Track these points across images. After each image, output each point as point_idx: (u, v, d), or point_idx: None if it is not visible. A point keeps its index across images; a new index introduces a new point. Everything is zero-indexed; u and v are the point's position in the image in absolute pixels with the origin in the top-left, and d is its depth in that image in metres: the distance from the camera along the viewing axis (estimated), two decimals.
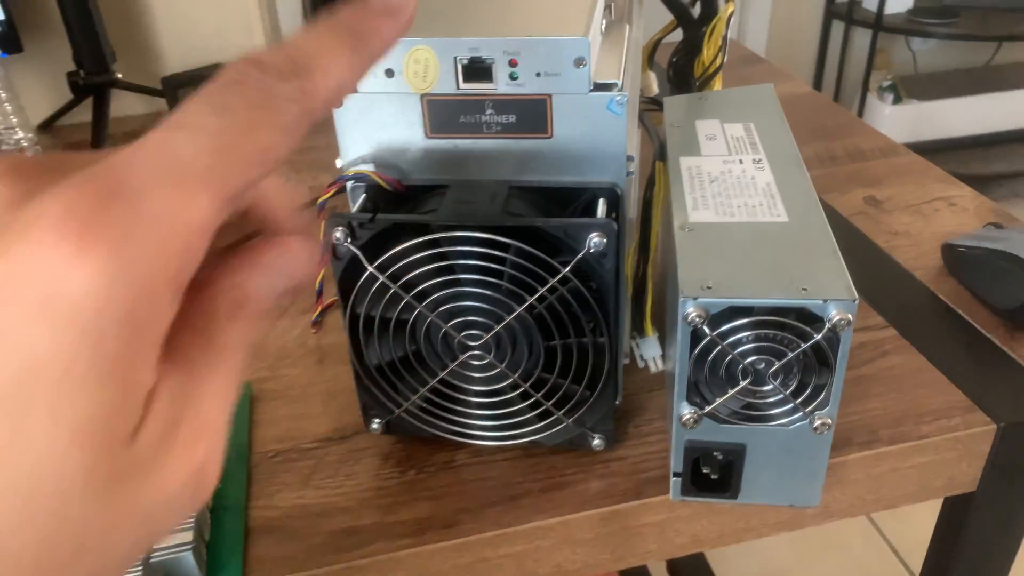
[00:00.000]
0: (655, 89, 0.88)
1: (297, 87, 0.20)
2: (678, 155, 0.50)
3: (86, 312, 0.16)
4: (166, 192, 0.18)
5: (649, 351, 0.52)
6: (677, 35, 0.94)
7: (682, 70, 0.73)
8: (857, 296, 0.37)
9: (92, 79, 0.88)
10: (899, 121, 2.33)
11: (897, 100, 2.34)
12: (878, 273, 0.62)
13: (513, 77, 0.41)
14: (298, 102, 0.20)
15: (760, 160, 0.49)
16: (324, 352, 0.57)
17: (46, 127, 0.96)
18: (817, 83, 2.46)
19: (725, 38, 0.70)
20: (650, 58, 0.91)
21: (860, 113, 2.38)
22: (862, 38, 2.36)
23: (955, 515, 0.53)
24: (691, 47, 0.72)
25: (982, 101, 2.36)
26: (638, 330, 0.52)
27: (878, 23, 2.23)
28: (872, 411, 0.49)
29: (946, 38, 2.31)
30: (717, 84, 0.71)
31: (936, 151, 2.32)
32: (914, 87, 2.38)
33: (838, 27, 2.39)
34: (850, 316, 0.37)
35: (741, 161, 0.49)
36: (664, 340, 0.52)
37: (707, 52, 0.71)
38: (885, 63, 2.45)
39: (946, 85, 2.41)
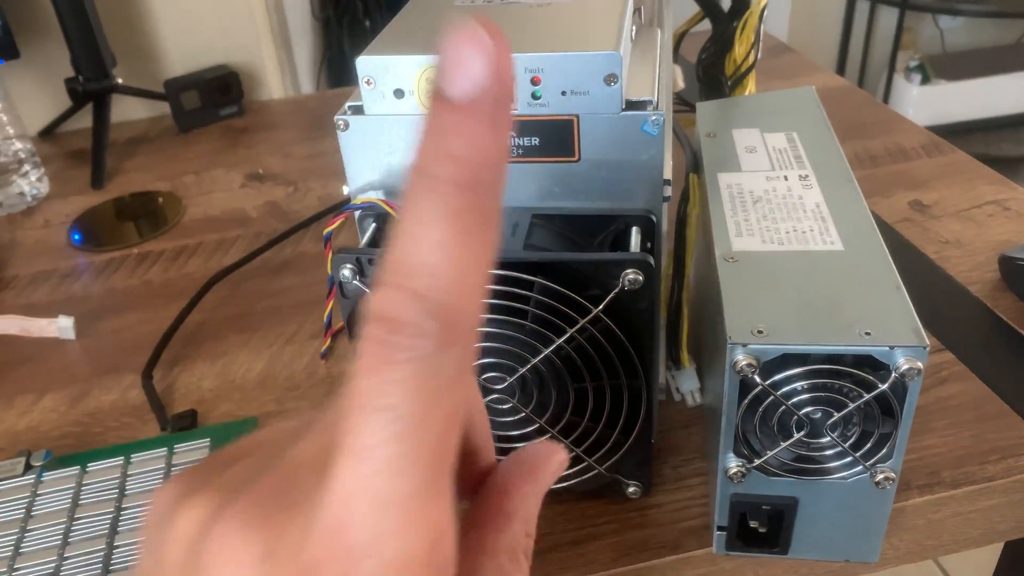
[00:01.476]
0: (681, 84, 0.83)
1: (449, 340, 0.15)
2: (716, 171, 0.46)
3: None
4: (394, 543, 0.16)
5: (686, 384, 0.48)
6: (706, 24, 0.88)
7: (712, 68, 0.68)
8: (928, 342, 0.33)
9: (91, 85, 0.85)
10: (927, 102, 2.26)
11: (925, 80, 2.27)
12: (930, 288, 0.57)
13: (536, 96, 0.37)
14: (460, 361, 0.16)
15: (807, 176, 0.45)
16: (334, 383, 0.54)
17: (46, 134, 0.93)
18: (841, 64, 2.39)
19: (758, 33, 0.65)
20: (675, 50, 0.86)
21: (887, 95, 2.31)
22: (888, 16, 2.29)
23: (1019, 559, 0.49)
24: (721, 43, 0.67)
25: (1013, 80, 2.28)
26: (673, 361, 0.48)
27: (905, 0, 2.16)
28: (932, 449, 0.45)
29: (975, 15, 2.23)
30: (750, 83, 0.66)
31: (966, 132, 2.25)
32: (942, 67, 2.31)
33: (863, 6, 2.31)
34: (920, 364, 0.33)
35: (786, 178, 0.45)
36: (702, 372, 0.48)
37: (739, 49, 0.66)
38: (911, 42, 2.37)
39: (976, 64, 2.33)
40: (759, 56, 0.66)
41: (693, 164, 0.51)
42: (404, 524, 0.16)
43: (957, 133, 2.24)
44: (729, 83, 0.67)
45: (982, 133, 2.29)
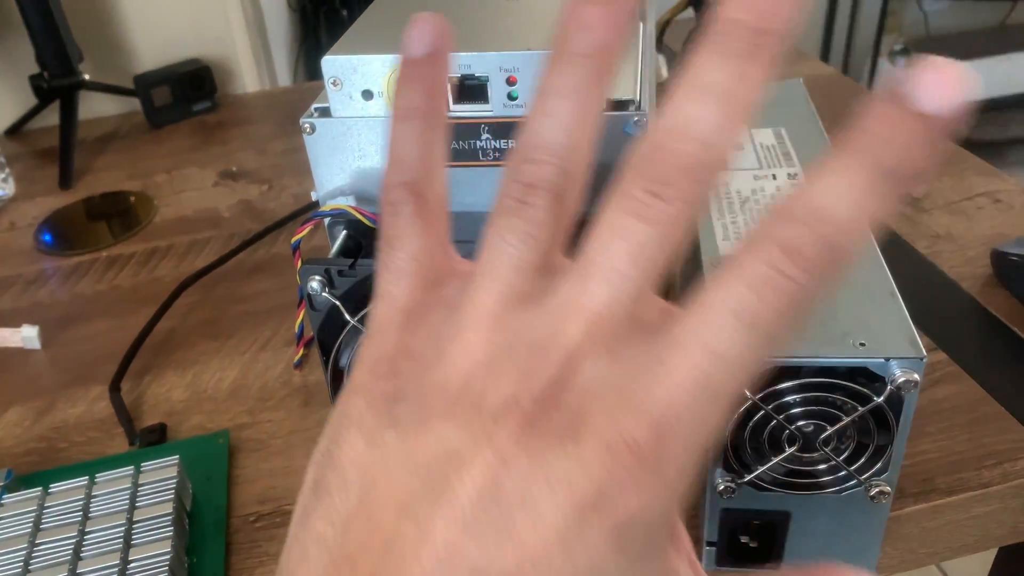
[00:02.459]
0: (664, 74, 0.81)
1: (826, 277, 0.16)
2: None
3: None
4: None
5: None
6: (690, 12, 0.87)
7: None
8: (925, 354, 0.32)
9: (57, 81, 0.82)
10: None
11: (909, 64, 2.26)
12: (921, 284, 0.56)
13: (512, 97, 0.35)
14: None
15: (797, 175, 0.43)
16: (310, 392, 0.52)
17: (12, 133, 0.90)
18: (826, 48, 2.38)
19: None
20: (659, 39, 0.85)
21: (871, 79, 2.30)
22: (871, 0, 2.28)
23: (1013, 563, 0.48)
24: None
25: (998, 63, 2.28)
26: None
27: None
28: (926, 454, 0.44)
29: None
30: None
31: None
32: (926, 50, 2.30)
33: None
34: (917, 377, 0.31)
35: (775, 176, 0.43)
36: None
37: None
38: (896, 25, 2.36)
39: (959, 47, 2.33)
40: None
41: None
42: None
43: None
44: None
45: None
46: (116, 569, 0.39)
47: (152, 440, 0.48)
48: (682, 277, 0.46)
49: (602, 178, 0.37)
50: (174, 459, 0.44)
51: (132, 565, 0.39)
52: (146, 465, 0.44)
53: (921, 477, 0.43)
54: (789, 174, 0.43)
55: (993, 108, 2.32)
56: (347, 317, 0.37)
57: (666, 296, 0.44)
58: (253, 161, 0.80)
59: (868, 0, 2.30)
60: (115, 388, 0.52)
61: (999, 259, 0.55)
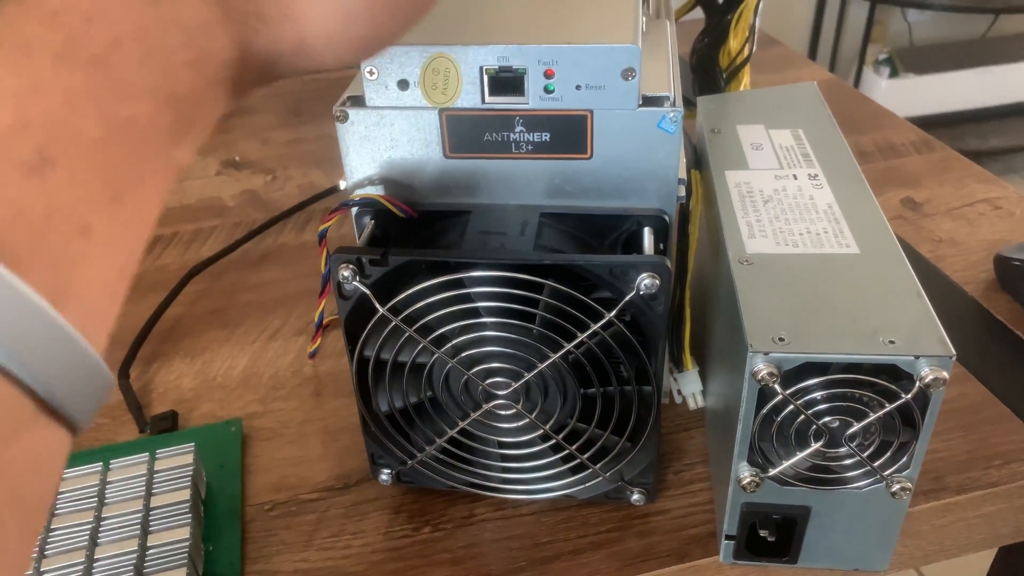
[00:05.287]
0: None
1: None
2: (723, 168, 0.45)
3: None
4: None
5: (688, 387, 0.46)
6: (696, 12, 0.87)
7: (706, 59, 0.67)
8: (954, 352, 0.32)
9: None
10: (896, 95, 2.28)
11: (894, 74, 2.28)
12: (927, 288, 0.56)
13: (548, 90, 0.36)
14: None
15: (817, 176, 0.43)
16: (321, 382, 0.52)
17: None
18: (812, 57, 2.40)
19: (753, 27, 0.64)
20: None
21: (856, 87, 2.32)
22: (858, 10, 2.30)
23: (1014, 562, 0.49)
24: (715, 35, 0.66)
25: (979, 74, 2.31)
26: (675, 363, 0.47)
27: None
28: (936, 453, 0.45)
29: (943, 9, 2.25)
30: (745, 76, 0.65)
31: (933, 126, 2.26)
32: (911, 60, 2.33)
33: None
34: (945, 375, 0.32)
35: (795, 176, 0.44)
36: (705, 375, 0.46)
37: (733, 42, 0.65)
38: (881, 36, 2.39)
39: (943, 58, 2.36)
40: (754, 49, 0.65)
41: (695, 160, 0.50)
42: None
43: (924, 127, 2.26)
44: (724, 76, 0.65)
45: (947, 128, 2.32)
46: (134, 555, 0.38)
47: (163, 428, 0.48)
48: (697, 272, 0.47)
49: (637, 175, 0.37)
50: (190, 446, 0.44)
51: (151, 551, 0.39)
52: (161, 452, 0.43)
53: (932, 476, 0.44)
54: (810, 175, 0.44)
55: (974, 119, 2.36)
56: (377, 306, 0.37)
57: (679, 292, 0.44)
58: (256, 151, 0.80)
59: (854, 10, 2.32)
60: (124, 375, 0.52)
61: (1002, 264, 0.56)
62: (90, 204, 0.18)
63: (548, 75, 0.35)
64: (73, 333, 0.17)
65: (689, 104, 0.59)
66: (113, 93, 0.18)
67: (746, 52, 0.65)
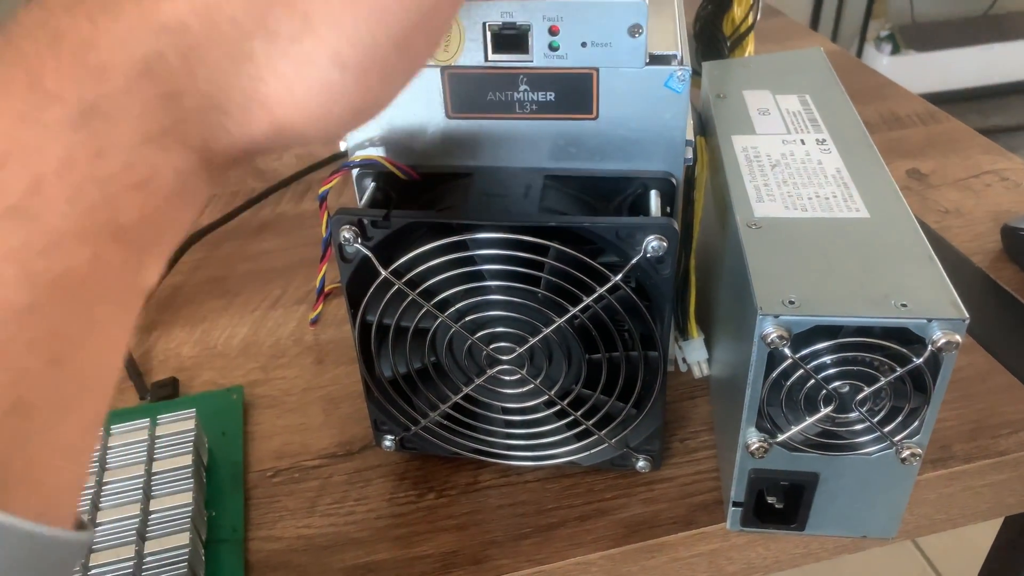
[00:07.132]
0: None
1: None
2: (729, 133, 0.44)
3: None
4: None
5: (693, 355, 0.46)
6: None
7: (710, 26, 0.66)
8: (967, 315, 0.32)
9: None
10: (897, 72, 2.26)
11: (895, 51, 2.27)
12: None
13: (553, 47, 0.35)
14: None
15: (825, 140, 0.43)
16: (323, 350, 0.51)
17: None
18: (813, 31, 2.38)
19: None
20: None
21: None
22: None
23: (1018, 532, 0.49)
24: (720, 2, 0.65)
25: (980, 52, 2.30)
26: (680, 332, 0.46)
27: None
28: (944, 422, 0.44)
29: None
30: (750, 44, 0.64)
31: (935, 103, 2.26)
32: (912, 37, 2.31)
33: None
34: (959, 338, 0.32)
35: (803, 141, 0.43)
36: (710, 342, 0.46)
37: (737, 10, 0.64)
38: (882, 12, 2.37)
39: (945, 35, 2.34)
40: (759, 17, 0.64)
41: (699, 126, 0.49)
42: None
43: None
44: (728, 43, 0.65)
45: (949, 105, 2.30)
46: (137, 519, 0.38)
47: (164, 395, 0.47)
48: (702, 237, 0.46)
49: (644, 136, 0.37)
50: (191, 412, 0.43)
51: (153, 516, 0.38)
52: (163, 418, 0.43)
53: (939, 444, 0.43)
54: (817, 139, 0.43)
55: (975, 97, 2.34)
56: (379, 269, 0.36)
57: (684, 258, 0.44)
58: None
59: None
60: None
61: (1009, 234, 0.55)
62: (20, 377, 0.15)
63: (553, 31, 0.34)
64: (20, 525, 0.15)
65: (693, 72, 0.58)
66: (37, 249, 0.15)
67: (750, 20, 0.64)
